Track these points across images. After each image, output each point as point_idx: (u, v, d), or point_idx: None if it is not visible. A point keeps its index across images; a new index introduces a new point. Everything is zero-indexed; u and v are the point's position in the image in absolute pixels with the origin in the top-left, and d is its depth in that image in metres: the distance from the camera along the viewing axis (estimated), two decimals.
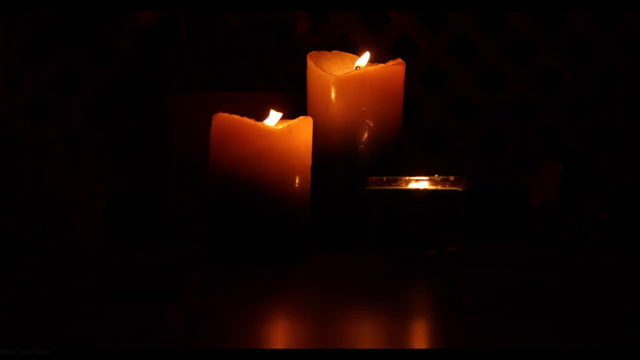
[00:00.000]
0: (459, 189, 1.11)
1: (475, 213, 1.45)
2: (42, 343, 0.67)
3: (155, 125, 1.46)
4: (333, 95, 1.22)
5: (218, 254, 1.10)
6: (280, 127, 1.11)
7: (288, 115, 1.14)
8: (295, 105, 1.29)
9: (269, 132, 1.10)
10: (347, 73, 1.23)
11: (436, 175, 1.11)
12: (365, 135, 1.22)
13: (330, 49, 1.28)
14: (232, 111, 1.10)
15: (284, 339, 0.71)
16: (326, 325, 0.76)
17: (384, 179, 1.12)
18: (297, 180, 1.10)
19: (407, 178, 1.11)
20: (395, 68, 1.23)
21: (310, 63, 1.24)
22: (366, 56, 1.25)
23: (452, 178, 1.11)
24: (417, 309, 0.85)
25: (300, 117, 1.12)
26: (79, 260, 1.18)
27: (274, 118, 1.13)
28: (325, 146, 1.21)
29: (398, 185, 1.11)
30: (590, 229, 1.31)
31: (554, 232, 1.32)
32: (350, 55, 1.27)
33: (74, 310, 0.82)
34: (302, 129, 1.11)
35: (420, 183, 1.11)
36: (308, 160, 1.12)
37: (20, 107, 1.54)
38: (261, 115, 1.13)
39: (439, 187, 1.11)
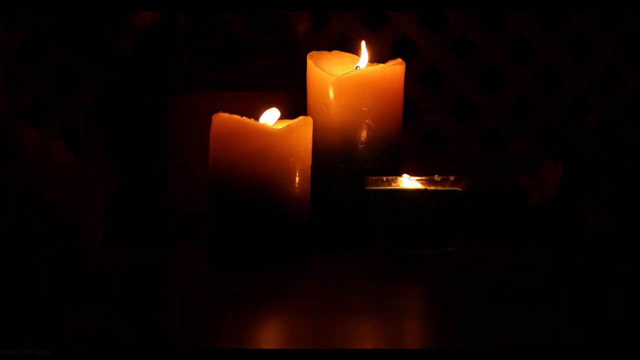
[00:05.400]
0: (459, 189, 1.11)
1: (475, 213, 1.45)
2: (42, 343, 0.67)
3: (155, 125, 1.46)
4: (333, 95, 1.22)
5: (218, 254, 1.10)
6: (280, 127, 1.11)
7: (288, 115, 1.14)
8: (295, 105, 1.29)
9: (269, 132, 1.10)
10: (347, 73, 1.23)
11: (436, 175, 1.11)
12: (365, 135, 1.22)
13: (330, 49, 1.28)
14: (232, 111, 1.10)
15: (284, 339, 0.71)
16: (326, 325, 0.76)
17: (384, 179, 1.12)
18: (297, 180, 1.10)
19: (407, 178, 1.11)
20: (395, 68, 1.23)
21: (310, 63, 1.24)
22: (363, 49, 1.25)
23: (452, 178, 1.11)
24: (417, 309, 0.85)
25: (300, 117, 1.12)
26: (79, 260, 1.18)
27: (271, 116, 1.13)
28: (325, 146, 1.21)
29: (398, 185, 1.11)
30: (590, 229, 1.31)
31: (554, 232, 1.32)
32: (351, 55, 1.27)
33: (74, 310, 0.82)
34: (302, 129, 1.11)
35: (420, 183, 1.11)
36: (308, 160, 1.12)
37: (20, 107, 1.54)
38: (261, 116, 1.13)
39: (439, 187, 1.11)
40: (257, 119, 1.12)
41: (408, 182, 1.11)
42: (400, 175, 1.13)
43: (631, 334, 0.71)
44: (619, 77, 1.59)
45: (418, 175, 1.12)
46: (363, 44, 1.25)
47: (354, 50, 1.29)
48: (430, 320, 0.79)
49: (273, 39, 1.49)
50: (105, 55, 1.54)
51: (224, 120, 1.10)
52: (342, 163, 1.23)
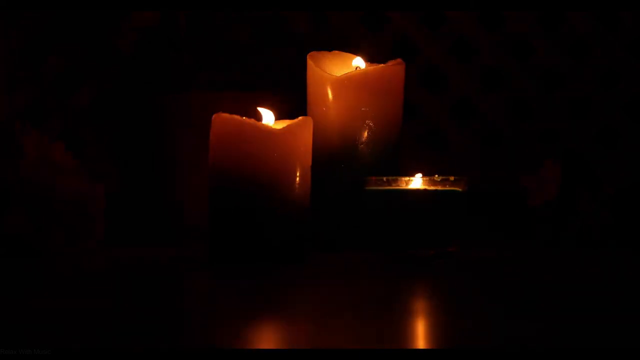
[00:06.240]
0: (459, 189, 1.11)
1: (475, 213, 1.45)
2: (42, 343, 0.67)
3: (156, 125, 1.46)
4: (333, 95, 1.22)
5: (218, 254, 1.10)
6: (280, 127, 1.11)
7: (288, 115, 1.14)
8: (295, 105, 1.29)
9: (269, 132, 1.10)
10: (347, 73, 1.23)
11: (436, 176, 1.11)
12: (365, 135, 1.22)
13: (330, 49, 1.28)
14: (232, 111, 1.10)
15: (283, 339, 0.71)
16: (326, 325, 0.76)
17: (384, 179, 1.12)
18: (297, 180, 1.10)
19: (407, 178, 1.12)
20: (395, 68, 1.23)
21: (310, 63, 1.24)
22: (359, 62, 1.26)
23: (452, 178, 1.11)
24: (417, 309, 0.85)
25: (300, 117, 1.12)
26: (79, 260, 1.18)
27: (268, 117, 1.13)
28: (325, 146, 1.21)
29: (398, 186, 1.11)
30: (590, 229, 1.31)
31: (554, 232, 1.32)
32: (350, 55, 1.27)
33: (74, 310, 0.82)
34: (302, 129, 1.11)
35: (420, 183, 1.11)
36: (308, 160, 1.12)
37: (20, 107, 1.54)
38: (261, 115, 1.13)
39: (439, 188, 1.11)
40: (257, 119, 1.12)
41: (419, 181, 1.11)
42: (399, 175, 1.13)
43: (631, 334, 0.71)
44: (619, 77, 1.59)
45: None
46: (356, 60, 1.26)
47: (354, 51, 1.29)
48: (431, 320, 0.79)
49: (273, 39, 1.49)
50: (105, 55, 1.54)
51: (224, 120, 1.10)
52: (342, 163, 1.23)
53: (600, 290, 0.94)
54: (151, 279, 1.03)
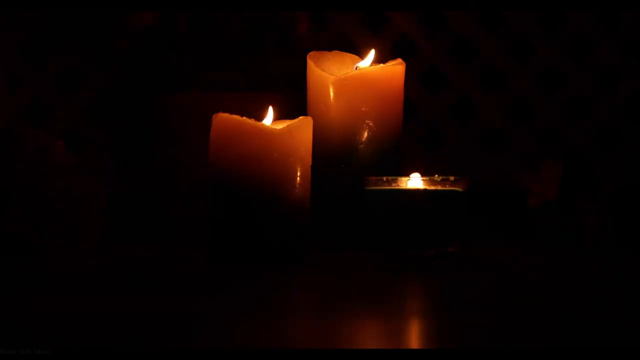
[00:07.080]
0: (459, 189, 1.11)
1: (475, 213, 1.45)
2: (42, 343, 0.67)
3: (156, 125, 1.46)
4: (333, 95, 1.22)
5: (218, 254, 1.10)
6: (280, 127, 1.11)
7: (288, 115, 1.14)
8: (295, 105, 1.29)
9: (269, 132, 1.10)
10: (347, 73, 1.23)
11: (436, 175, 1.11)
12: (365, 135, 1.22)
13: (330, 49, 1.28)
14: (232, 111, 1.10)
15: (283, 339, 0.71)
16: (325, 325, 0.76)
17: (384, 179, 1.12)
18: (297, 180, 1.10)
19: (407, 178, 1.12)
20: (395, 68, 1.23)
21: (310, 63, 1.24)
22: (371, 55, 1.25)
23: (452, 178, 1.11)
24: (417, 309, 0.85)
25: (300, 117, 1.12)
26: (79, 260, 1.18)
27: (269, 117, 1.13)
28: (325, 146, 1.21)
29: (398, 186, 1.11)
30: (590, 229, 1.31)
31: (554, 232, 1.32)
32: (351, 55, 1.27)
33: (74, 310, 0.82)
34: (302, 129, 1.11)
35: (420, 183, 1.11)
36: (308, 160, 1.12)
37: (20, 107, 1.54)
38: (261, 115, 1.13)
39: (439, 188, 1.11)
40: (257, 119, 1.12)
41: (417, 181, 1.11)
42: (399, 175, 1.13)
43: (631, 334, 0.71)
44: (619, 77, 1.59)
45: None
46: (372, 52, 1.25)
47: (354, 50, 1.29)
48: (430, 320, 0.79)
49: (273, 39, 1.49)
50: (105, 55, 1.54)
51: (224, 120, 1.10)
52: (342, 163, 1.23)
53: (600, 291, 0.94)
54: (151, 279, 1.03)
